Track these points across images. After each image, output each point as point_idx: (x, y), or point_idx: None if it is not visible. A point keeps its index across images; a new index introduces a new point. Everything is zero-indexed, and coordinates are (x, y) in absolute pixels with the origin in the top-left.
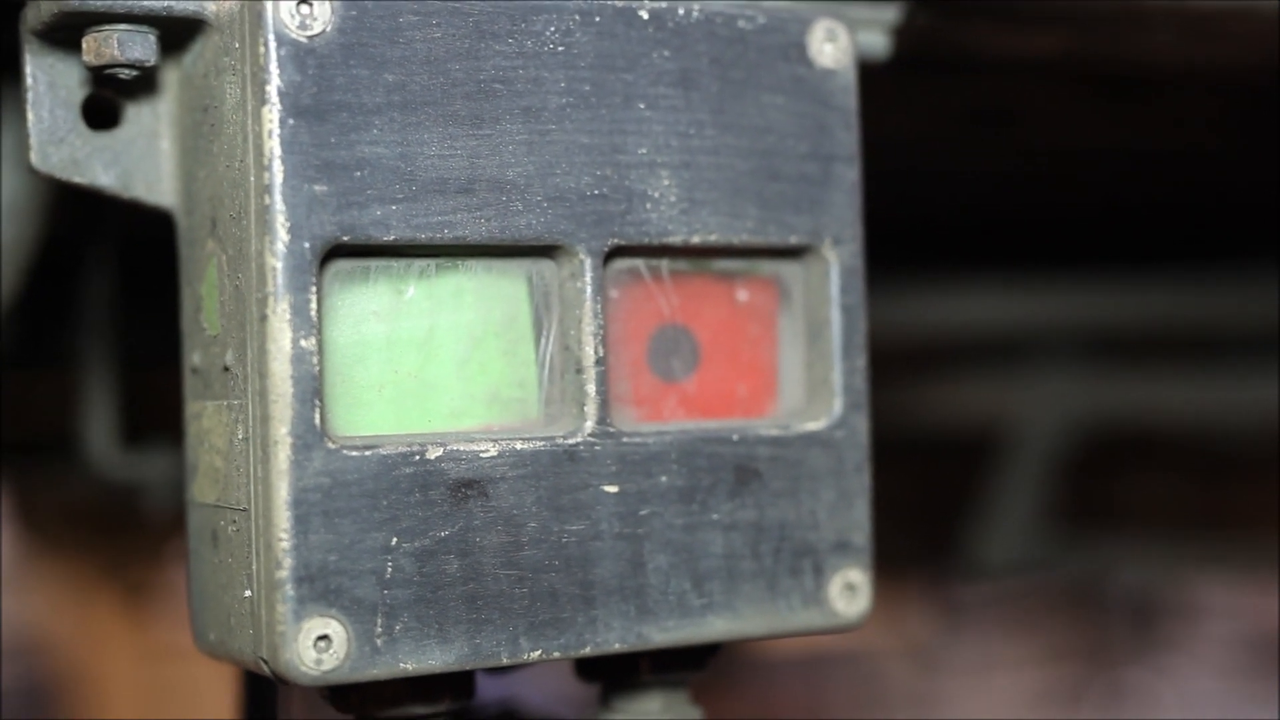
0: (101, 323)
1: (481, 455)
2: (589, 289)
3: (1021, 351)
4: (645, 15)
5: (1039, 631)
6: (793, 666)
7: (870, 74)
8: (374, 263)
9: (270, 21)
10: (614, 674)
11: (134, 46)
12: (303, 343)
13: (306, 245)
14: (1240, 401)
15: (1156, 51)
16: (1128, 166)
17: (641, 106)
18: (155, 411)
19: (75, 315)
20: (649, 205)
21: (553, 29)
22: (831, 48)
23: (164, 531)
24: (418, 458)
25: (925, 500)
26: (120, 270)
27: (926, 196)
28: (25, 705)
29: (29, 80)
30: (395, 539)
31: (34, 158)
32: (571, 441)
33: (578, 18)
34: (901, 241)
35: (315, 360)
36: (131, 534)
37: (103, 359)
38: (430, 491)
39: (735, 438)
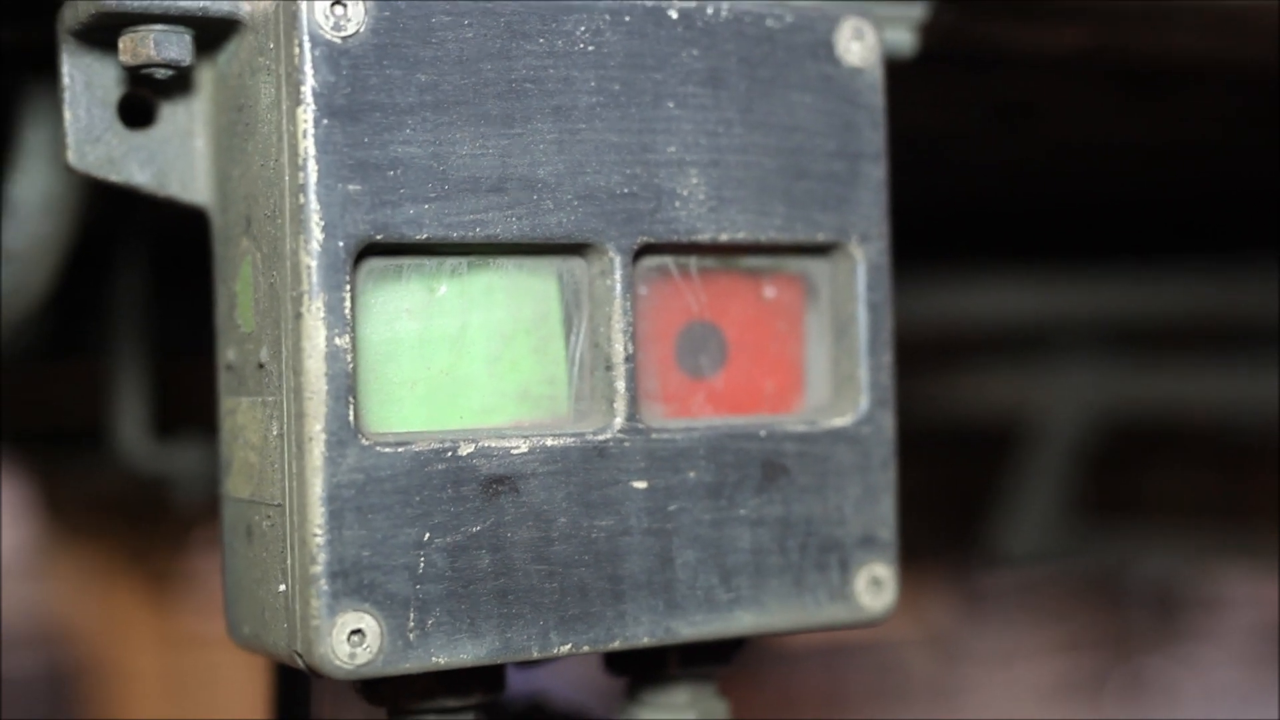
0: (133, 315)
1: (512, 451)
2: (619, 287)
3: (1044, 344)
4: (675, 15)
5: (1060, 621)
6: (814, 655)
7: (896, 68)
8: (407, 261)
9: (305, 22)
10: (642, 668)
11: (170, 46)
12: (337, 340)
13: (340, 244)
14: (1261, 394)
15: (1179, 47)
16: (1150, 160)
17: (671, 105)
18: (186, 403)
19: (107, 307)
20: (678, 203)
21: (583, 29)
22: (859, 46)
23: (188, 520)
24: (450, 454)
25: (947, 491)
26: (151, 262)
27: (950, 189)
28: (48, 692)
29: (66, 79)
30: (428, 534)
31: (71, 156)
32: (601, 438)
33: (608, 17)
34: (926, 234)
35: (349, 358)
36: (155, 523)
37: (134, 351)
38: (462, 487)
39: (762, 434)
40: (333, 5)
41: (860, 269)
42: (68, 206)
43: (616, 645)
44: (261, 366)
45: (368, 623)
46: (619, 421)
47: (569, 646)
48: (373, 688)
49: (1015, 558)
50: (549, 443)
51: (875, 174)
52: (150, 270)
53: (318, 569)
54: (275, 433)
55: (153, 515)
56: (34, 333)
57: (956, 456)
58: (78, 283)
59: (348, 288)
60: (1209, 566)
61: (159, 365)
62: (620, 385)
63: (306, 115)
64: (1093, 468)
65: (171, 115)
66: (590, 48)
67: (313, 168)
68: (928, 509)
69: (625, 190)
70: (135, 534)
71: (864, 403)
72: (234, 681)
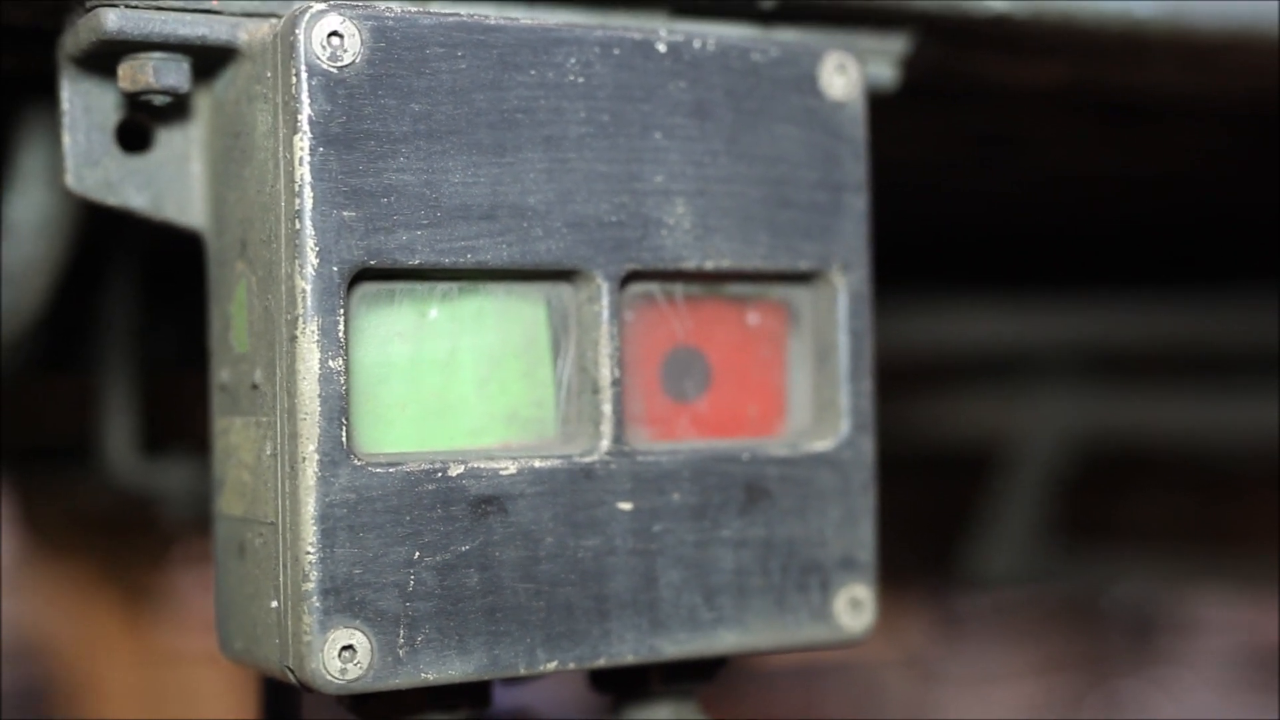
0: (122, 331)
1: (501, 473)
2: (606, 312)
3: (1023, 369)
4: (663, 48)
5: (1036, 643)
6: (791, 676)
7: (878, 100)
8: (399, 285)
9: (302, 52)
10: (626, 685)
11: (168, 74)
12: (331, 363)
13: (335, 269)
14: (1238, 419)
15: (1157, 81)
16: (1129, 190)
17: (658, 136)
18: (174, 420)
19: (96, 323)
20: (664, 231)
21: (573, 60)
22: (842, 80)
23: (167, 537)
24: (440, 474)
25: (925, 513)
26: (141, 279)
27: (931, 217)
28: (23, 708)
29: (65, 105)
30: (418, 553)
31: (69, 179)
32: (588, 460)
33: (598, 50)
34: (906, 260)
35: (342, 380)
36: (133, 538)
37: (123, 367)
38: (452, 507)
39: (745, 457)
40: (329, 36)
41: (842, 297)
42: (62, 227)
43: (601, 663)
44: (255, 387)
45: (359, 639)
46: (605, 444)
47: (555, 664)
48: (362, 703)
49: (992, 580)
50: (537, 464)
51: (857, 204)
52: (140, 287)
53: (310, 586)
54: (269, 452)
55: (131, 531)
56: (26, 350)
57: (934, 480)
58: (68, 299)
59: (341, 312)
60: (1184, 590)
61: (148, 382)
62: (606, 408)
63: (303, 143)
64: (1069, 492)
65: (168, 140)
66: (580, 79)
67: (308, 194)
68: (905, 531)
69: (613, 219)
70: (116, 550)
71: (845, 428)
72: (212, 699)
